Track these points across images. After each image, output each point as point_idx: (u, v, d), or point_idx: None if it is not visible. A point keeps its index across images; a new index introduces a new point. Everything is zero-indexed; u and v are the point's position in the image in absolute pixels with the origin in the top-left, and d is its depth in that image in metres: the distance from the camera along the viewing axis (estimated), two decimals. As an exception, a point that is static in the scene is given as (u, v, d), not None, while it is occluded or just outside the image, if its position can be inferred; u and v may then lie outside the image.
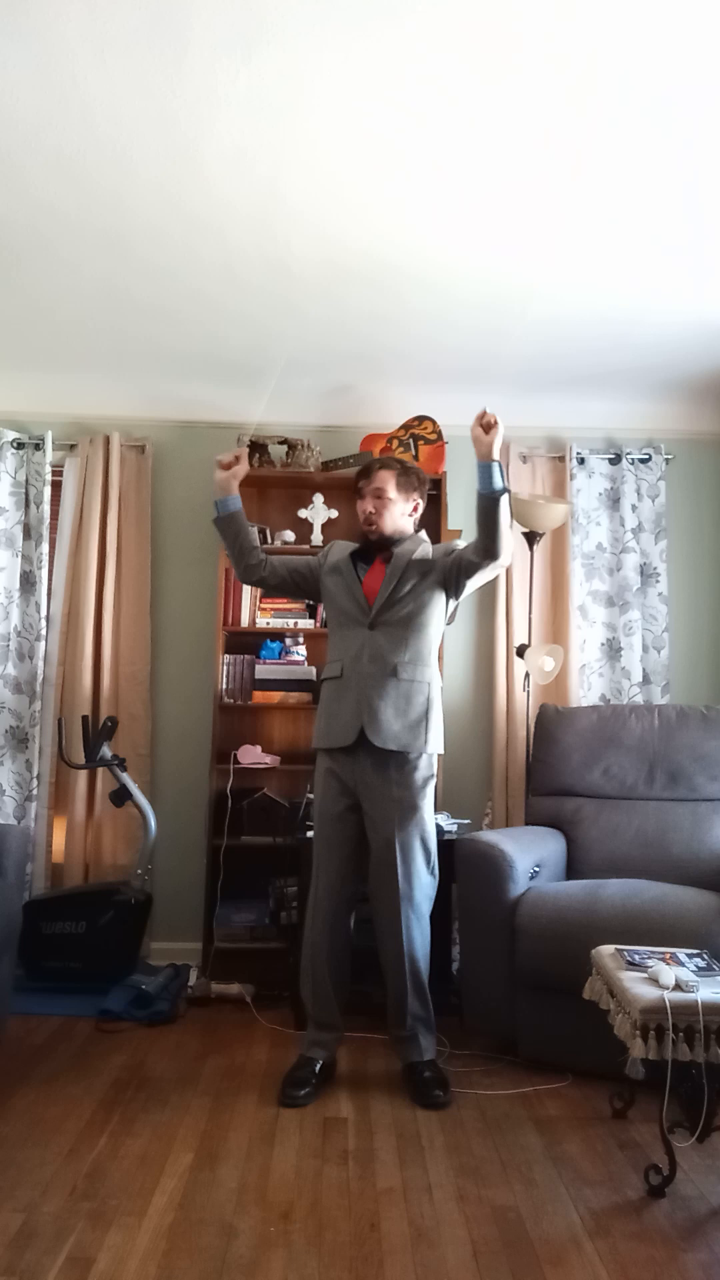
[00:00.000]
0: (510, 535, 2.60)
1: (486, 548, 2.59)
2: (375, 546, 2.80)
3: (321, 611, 3.62)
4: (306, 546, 3.79)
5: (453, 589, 2.76)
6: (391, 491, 2.76)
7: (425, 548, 2.80)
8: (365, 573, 2.78)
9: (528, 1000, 2.83)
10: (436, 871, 2.73)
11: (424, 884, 2.68)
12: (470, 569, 2.67)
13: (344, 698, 2.68)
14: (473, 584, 2.73)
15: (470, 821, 3.63)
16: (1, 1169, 2.18)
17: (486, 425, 2.48)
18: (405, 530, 2.82)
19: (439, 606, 2.77)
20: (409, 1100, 2.58)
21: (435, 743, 2.71)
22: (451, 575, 2.72)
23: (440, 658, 3.72)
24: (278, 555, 2.95)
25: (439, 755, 2.80)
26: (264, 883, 3.54)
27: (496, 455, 2.49)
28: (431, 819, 2.73)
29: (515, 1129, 2.44)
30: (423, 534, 2.88)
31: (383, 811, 2.65)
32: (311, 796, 3.02)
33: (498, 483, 2.50)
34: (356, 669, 2.68)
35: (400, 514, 2.79)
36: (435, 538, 3.77)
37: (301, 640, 3.80)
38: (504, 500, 2.52)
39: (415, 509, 2.85)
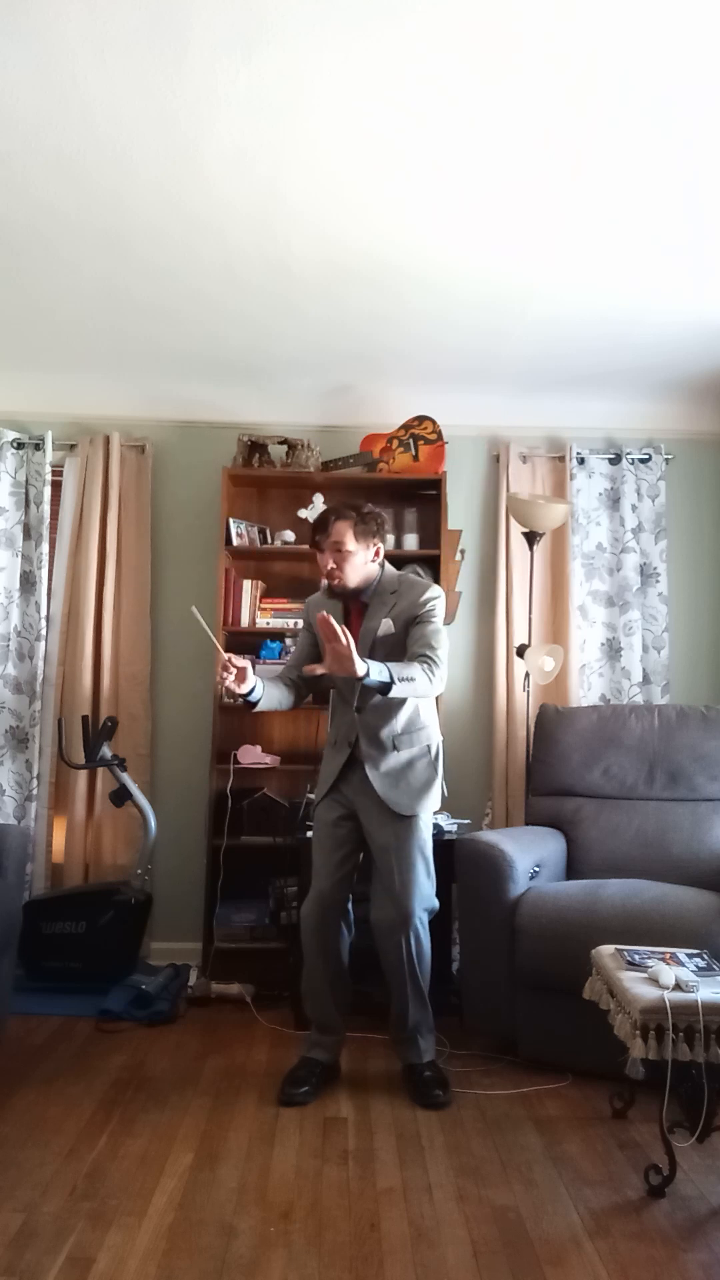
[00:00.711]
0: (421, 687, 2.51)
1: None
2: (345, 598, 2.72)
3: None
4: (306, 547, 3.78)
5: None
6: (350, 543, 2.63)
7: (398, 604, 2.67)
8: (344, 620, 2.69)
9: (528, 1000, 2.82)
10: (433, 874, 2.73)
11: (423, 889, 2.67)
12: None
13: (334, 764, 2.76)
14: None
15: (470, 821, 3.62)
16: (1, 1169, 2.18)
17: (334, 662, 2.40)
18: (372, 576, 2.70)
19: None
20: (409, 1100, 2.58)
21: (436, 802, 2.75)
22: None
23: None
24: (289, 659, 2.95)
25: (440, 753, 2.79)
26: (264, 883, 3.54)
27: (360, 670, 2.37)
28: (429, 825, 2.74)
29: (515, 1129, 2.44)
30: (386, 570, 2.75)
31: (379, 822, 2.66)
32: (312, 796, 3.03)
33: (373, 682, 2.42)
34: (344, 746, 2.72)
35: (363, 563, 2.67)
36: (435, 538, 3.78)
37: (301, 640, 3.79)
38: (395, 689, 2.43)
39: (377, 554, 2.72)
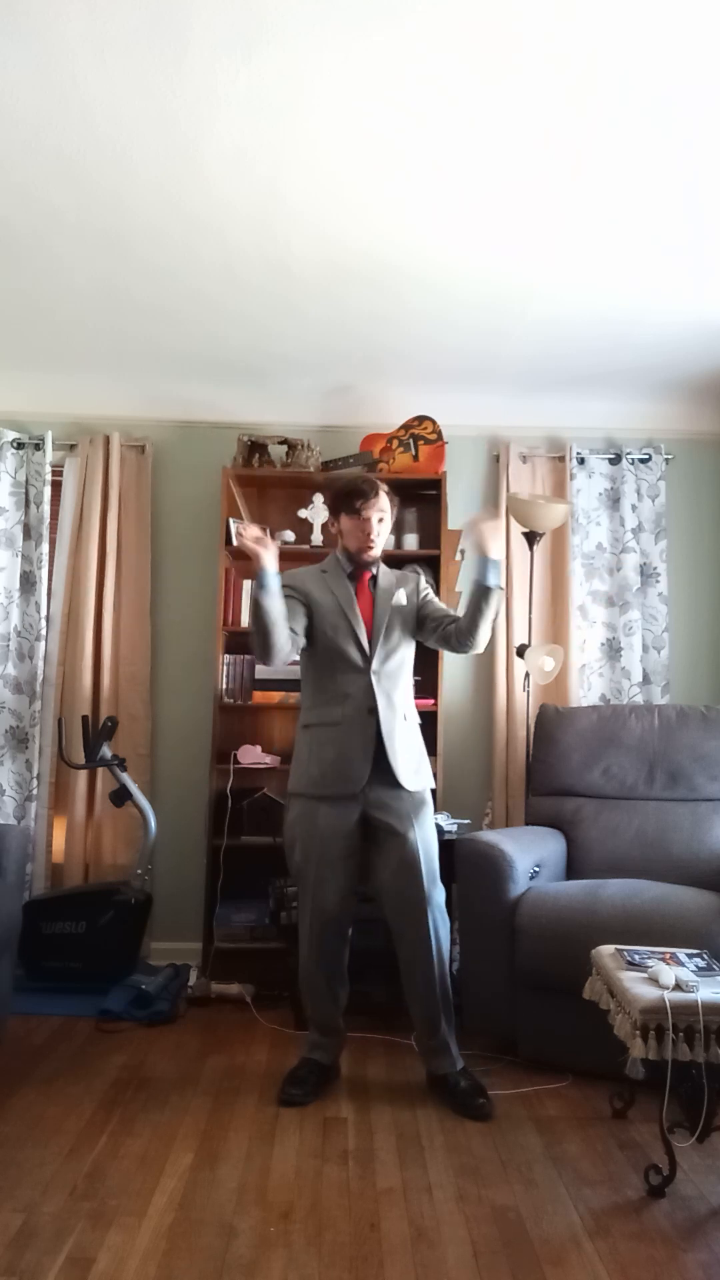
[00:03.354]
0: (488, 633, 2.64)
1: (469, 637, 2.64)
2: (361, 568, 2.74)
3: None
4: (306, 547, 3.79)
5: (418, 633, 2.76)
6: (389, 514, 2.73)
7: (399, 584, 2.77)
8: (355, 595, 2.71)
9: (528, 1000, 2.82)
10: None
11: (440, 885, 2.67)
12: (442, 643, 2.71)
13: (348, 744, 2.61)
14: (432, 647, 2.79)
15: (470, 821, 3.63)
16: (1, 1169, 2.18)
17: (489, 526, 2.55)
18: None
19: (413, 648, 2.80)
20: (451, 1111, 2.52)
21: (430, 779, 2.76)
22: (426, 628, 2.73)
23: (440, 658, 3.73)
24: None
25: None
26: (264, 883, 3.53)
27: (497, 555, 2.57)
28: (434, 820, 2.75)
29: (515, 1129, 2.44)
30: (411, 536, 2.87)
31: (399, 815, 2.62)
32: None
33: (491, 579, 2.57)
34: (362, 715, 2.62)
35: (387, 534, 2.76)
36: (435, 538, 3.78)
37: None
38: (495, 597, 2.58)
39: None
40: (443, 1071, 2.62)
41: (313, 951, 2.69)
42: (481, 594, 2.59)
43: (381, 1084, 2.70)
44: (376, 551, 2.72)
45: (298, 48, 1.99)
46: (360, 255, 2.85)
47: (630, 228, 2.67)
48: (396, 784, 2.62)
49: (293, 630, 2.59)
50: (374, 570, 2.76)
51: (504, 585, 2.60)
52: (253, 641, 2.56)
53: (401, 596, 2.74)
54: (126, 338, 3.52)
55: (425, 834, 2.65)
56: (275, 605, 2.50)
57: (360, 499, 2.67)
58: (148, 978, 3.37)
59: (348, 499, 2.69)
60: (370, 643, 2.67)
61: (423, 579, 2.83)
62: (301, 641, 2.66)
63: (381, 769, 2.61)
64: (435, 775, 3.59)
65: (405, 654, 2.75)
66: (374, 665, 2.65)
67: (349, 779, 2.61)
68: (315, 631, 2.69)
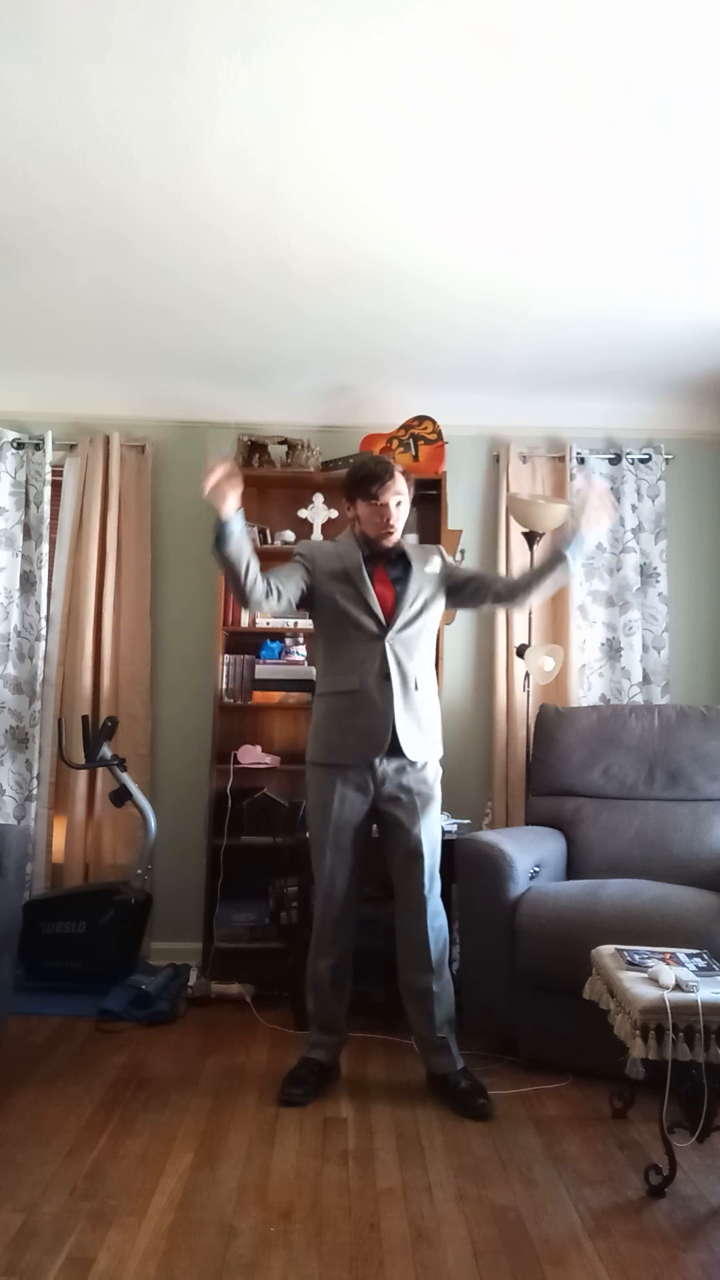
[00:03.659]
0: (542, 598, 2.73)
1: (523, 593, 2.69)
2: (381, 552, 2.70)
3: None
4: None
5: (457, 599, 2.77)
6: (406, 496, 2.68)
7: (428, 555, 2.78)
8: (372, 580, 2.67)
9: (528, 1000, 2.82)
10: None
11: (439, 880, 2.68)
12: (494, 599, 2.74)
13: (363, 712, 2.59)
14: (479, 609, 2.85)
15: (470, 821, 3.62)
16: (1, 1169, 2.18)
17: (599, 510, 2.59)
18: None
19: (439, 616, 2.79)
20: (451, 1111, 2.52)
21: (439, 749, 2.74)
22: (466, 590, 2.75)
23: (440, 658, 3.72)
24: (268, 573, 2.64)
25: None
26: (264, 883, 3.53)
27: (591, 535, 2.62)
28: (439, 818, 2.74)
29: (515, 1129, 2.43)
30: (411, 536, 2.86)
31: (408, 810, 2.62)
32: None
33: (572, 551, 2.61)
34: (378, 682, 2.59)
35: (405, 518, 2.71)
36: (435, 538, 3.78)
37: (301, 640, 3.80)
38: (563, 570, 2.64)
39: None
40: (442, 1071, 2.62)
41: (320, 941, 2.70)
42: (555, 561, 2.60)
43: (381, 1084, 2.70)
44: (396, 536, 2.68)
45: (298, 48, 1.99)
46: (360, 255, 2.85)
47: (630, 228, 2.67)
48: (403, 760, 2.61)
49: (278, 589, 2.57)
50: (393, 556, 2.72)
51: (577, 570, 2.61)
52: (232, 589, 2.55)
53: (435, 564, 2.73)
54: (126, 338, 3.52)
55: (431, 831, 2.65)
56: (239, 552, 2.44)
57: (376, 483, 2.60)
58: (148, 978, 3.37)
59: (363, 484, 2.62)
60: (389, 610, 2.64)
61: (442, 550, 2.82)
62: (285, 602, 2.60)
63: (393, 738, 2.60)
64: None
65: (426, 621, 2.70)
66: (390, 633, 2.63)
67: (367, 746, 2.59)
68: (323, 598, 2.67)
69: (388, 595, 2.67)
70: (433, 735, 2.70)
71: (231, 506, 2.40)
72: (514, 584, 2.73)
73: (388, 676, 2.60)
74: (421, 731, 2.65)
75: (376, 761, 2.61)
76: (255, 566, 2.52)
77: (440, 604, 2.76)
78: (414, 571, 2.70)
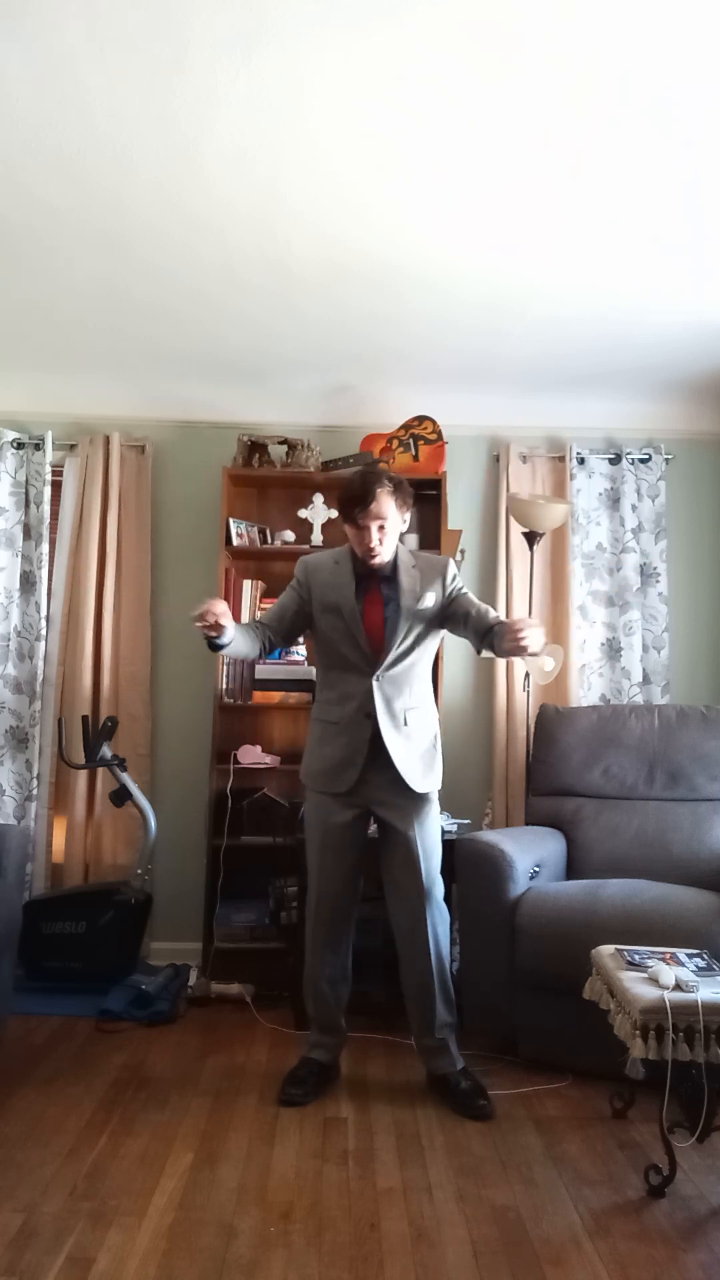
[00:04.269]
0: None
1: (482, 648, 2.64)
2: (371, 573, 2.65)
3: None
4: (306, 546, 3.79)
5: (447, 627, 2.73)
6: (391, 516, 2.58)
7: (425, 584, 2.66)
8: (362, 606, 2.63)
9: (528, 1000, 2.82)
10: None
11: (440, 881, 2.67)
12: (477, 640, 2.64)
13: (344, 745, 2.61)
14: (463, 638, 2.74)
15: (470, 821, 3.62)
16: (1, 1169, 2.18)
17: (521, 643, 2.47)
18: (394, 549, 2.68)
19: (435, 645, 2.76)
20: (451, 1112, 2.52)
21: (439, 779, 2.71)
22: (450, 623, 2.70)
23: (440, 658, 3.72)
24: (269, 613, 2.76)
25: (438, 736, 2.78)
26: (264, 883, 3.53)
27: (533, 650, 2.48)
28: (438, 819, 2.74)
29: (515, 1129, 2.44)
30: (406, 546, 2.78)
31: (401, 812, 2.62)
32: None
33: (513, 656, 2.56)
34: (359, 719, 2.60)
35: (395, 538, 2.64)
36: (435, 538, 3.78)
37: (301, 640, 3.80)
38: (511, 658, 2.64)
39: (405, 521, 2.69)
40: (442, 1071, 2.62)
41: (315, 943, 2.70)
42: (501, 653, 2.55)
43: (381, 1084, 2.71)
44: (383, 559, 2.61)
45: (298, 48, 1.99)
46: (360, 255, 2.85)
47: (630, 228, 2.67)
48: (399, 783, 2.60)
49: (273, 637, 2.71)
50: (385, 571, 2.65)
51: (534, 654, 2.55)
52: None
53: (429, 599, 2.64)
54: (126, 338, 3.52)
55: (427, 833, 2.65)
56: (235, 650, 2.59)
57: (357, 507, 2.55)
58: (148, 978, 3.37)
59: (346, 507, 2.59)
60: (377, 647, 2.61)
61: (450, 568, 2.71)
62: (287, 641, 2.77)
63: (380, 768, 2.59)
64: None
65: (420, 655, 2.68)
66: (378, 671, 2.60)
67: (338, 780, 2.63)
68: (318, 627, 2.69)
69: (377, 621, 2.62)
70: (427, 769, 2.67)
71: (225, 637, 2.47)
72: (480, 637, 2.62)
73: (370, 715, 2.59)
74: (412, 763, 2.62)
75: (366, 778, 2.61)
76: (251, 638, 2.65)
77: (436, 635, 2.72)
78: (403, 607, 2.62)
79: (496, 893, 2.90)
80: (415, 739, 2.65)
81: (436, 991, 2.61)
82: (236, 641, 2.55)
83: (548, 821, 3.44)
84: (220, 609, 2.42)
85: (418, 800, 2.64)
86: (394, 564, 2.67)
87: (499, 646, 2.52)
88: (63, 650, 3.86)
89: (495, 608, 3.92)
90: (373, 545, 2.57)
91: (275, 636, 2.73)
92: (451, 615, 2.69)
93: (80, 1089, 2.63)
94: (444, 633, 2.79)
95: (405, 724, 2.63)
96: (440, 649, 3.69)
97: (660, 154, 2.33)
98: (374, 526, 2.57)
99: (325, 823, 2.66)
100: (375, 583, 2.66)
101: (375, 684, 2.60)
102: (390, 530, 2.60)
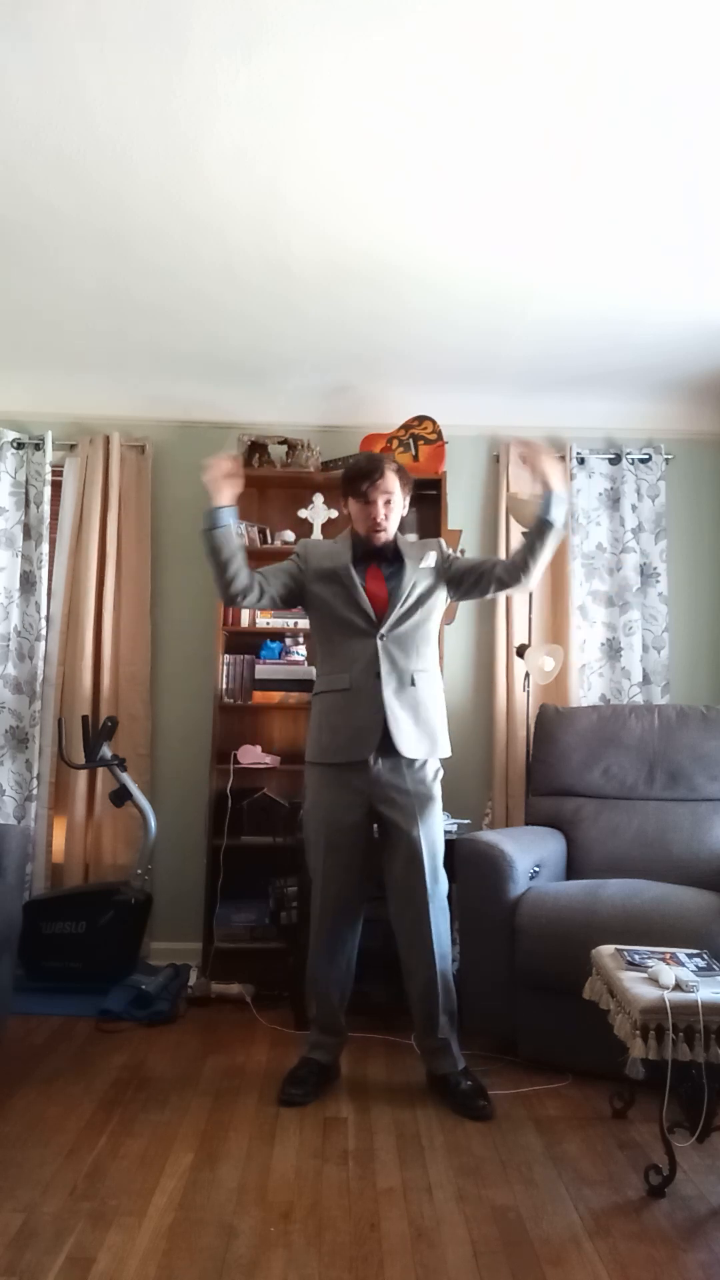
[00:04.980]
0: (541, 571, 2.65)
1: (523, 571, 2.63)
2: (375, 550, 2.70)
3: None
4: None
5: (458, 592, 2.74)
6: (397, 495, 2.67)
7: (424, 550, 2.75)
8: (363, 578, 2.67)
9: (528, 1000, 2.82)
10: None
11: (444, 882, 2.67)
12: (496, 585, 2.67)
13: (355, 710, 2.59)
14: (485, 596, 2.75)
15: (470, 821, 3.62)
16: (1, 1169, 2.18)
17: (542, 459, 2.54)
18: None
19: (440, 610, 2.76)
20: (451, 1112, 2.51)
21: (446, 747, 2.71)
22: (467, 582, 2.71)
23: (440, 657, 3.72)
24: (258, 569, 2.73)
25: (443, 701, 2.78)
26: (264, 883, 3.53)
27: (558, 487, 2.55)
28: (442, 817, 2.73)
29: (515, 1129, 2.43)
30: (411, 536, 2.86)
31: (405, 812, 2.60)
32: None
33: (553, 513, 2.56)
34: (368, 681, 2.60)
35: (398, 517, 2.71)
36: (435, 538, 3.78)
37: (301, 640, 3.80)
38: (553, 534, 2.58)
39: (406, 509, 2.76)
40: (443, 1071, 2.61)
41: (320, 944, 2.70)
42: (542, 529, 2.56)
43: (381, 1084, 2.70)
44: (388, 535, 2.67)
45: (298, 48, 1.99)
46: (360, 255, 2.85)
47: (630, 228, 2.67)
48: (399, 758, 2.59)
49: (260, 586, 2.65)
50: (388, 554, 2.70)
51: (562, 524, 2.58)
52: (218, 588, 2.65)
53: (431, 559, 2.69)
54: (126, 338, 3.52)
55: (431, 831, 2.64)
56: (226, 539, 2.56)
57: (365, 480, 2.62)
58: (148, 978, 3.37)
59: (354, 482, 2.65)
60: (381, 609, 2.63)
61: (443, 543, 2.78)
62: (268, 599, 2.68)
63: (391, 749, 2.58)
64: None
65: (423, 616, 2.67)
66: (383, 629, 2.61)
67: (358, 745, 2.59)
68: (315, 598, 2.69)
69: (380, 592, 2.66)
70: (434, 733, 2.66)
71: (226, 498, 2.53)
72: (512, 564, 2.65)
73: (379, 675, 2.59)
74: (420, 728, 2.62)
75: (371, 760, 2.59)
76: (240, 561, 2.60)
77: (440, 597, 2.73)
78: (407, 568, 2.68)
79: (496, 893, 2.90)
80: (424, 702, 2.64)
81: (439, 992, 2.61)
82: (231, 541, 2.56)
83: (548, 821, 3.44)
84: (231, 467, 2.50)
85: (422, 799, 2.62)
86: (394, 545, 2.73)
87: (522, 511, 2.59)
88: (63, 650, 3.86)
89: (495, 607, 3.93)
90: (379, 519, 2.63)
91: (265, 585, 2.67)
92: (455, 576, 2.71)
93: (80, 1089, 2.63)
94: (446, 603, 2.77)
95: (415, 684, 2.63)
96: (441, 649, 3.70)
97: (660, 154, 2.33)
98: (381, 500, 2.63)
99: (331, 824, 2.64)
100: (374, 562, 2.70)
101: (380, 643, 2.61)
102: (395, 507, 2.67)
